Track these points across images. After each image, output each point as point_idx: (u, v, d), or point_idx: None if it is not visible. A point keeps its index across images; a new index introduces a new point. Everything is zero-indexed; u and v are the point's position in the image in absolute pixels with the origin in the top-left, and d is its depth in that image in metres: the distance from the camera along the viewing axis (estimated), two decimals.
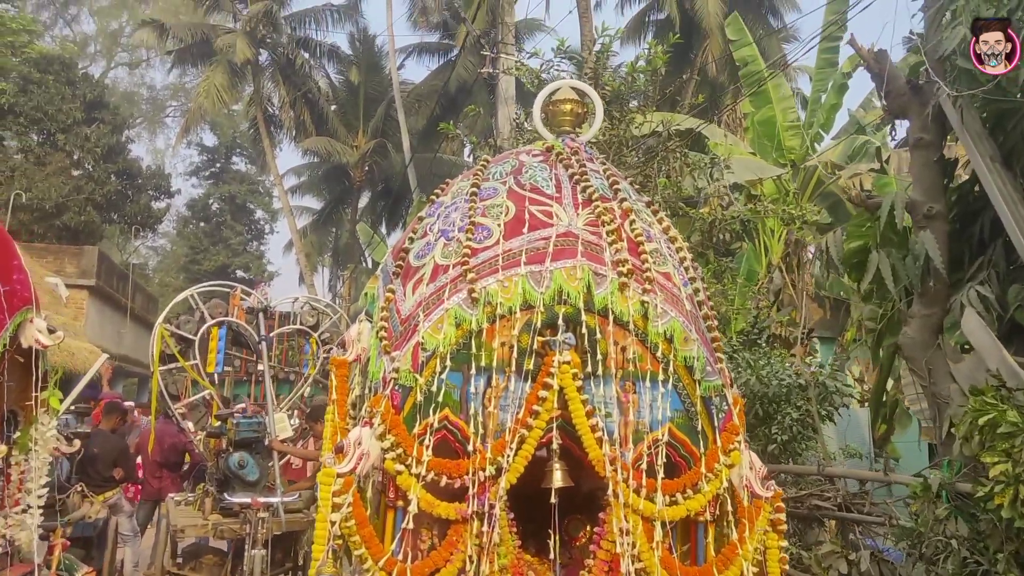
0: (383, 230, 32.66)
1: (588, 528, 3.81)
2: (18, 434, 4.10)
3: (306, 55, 32.30)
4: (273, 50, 31.63)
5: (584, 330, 3.30)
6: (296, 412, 8.57)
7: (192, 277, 39.95)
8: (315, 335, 8.71)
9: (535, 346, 3.27)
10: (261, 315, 8.42)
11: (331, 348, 8.84)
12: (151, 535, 8.97)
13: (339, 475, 2.98)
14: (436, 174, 31.24)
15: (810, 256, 13.94)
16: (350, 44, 33.91)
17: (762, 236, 14.20)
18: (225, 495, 6.79)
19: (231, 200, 41.99)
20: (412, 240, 3.71)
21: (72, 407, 7.30)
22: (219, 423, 7.48)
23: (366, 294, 3.84)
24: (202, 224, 41.51)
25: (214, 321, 8.20)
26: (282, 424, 7.95)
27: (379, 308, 3.52)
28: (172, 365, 8.08)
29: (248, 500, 6.29)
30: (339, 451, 3.05)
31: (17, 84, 23.60)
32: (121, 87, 43.03)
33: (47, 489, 4.04)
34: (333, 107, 33.41)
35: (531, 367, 3.26)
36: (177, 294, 8.55)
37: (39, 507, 3.99)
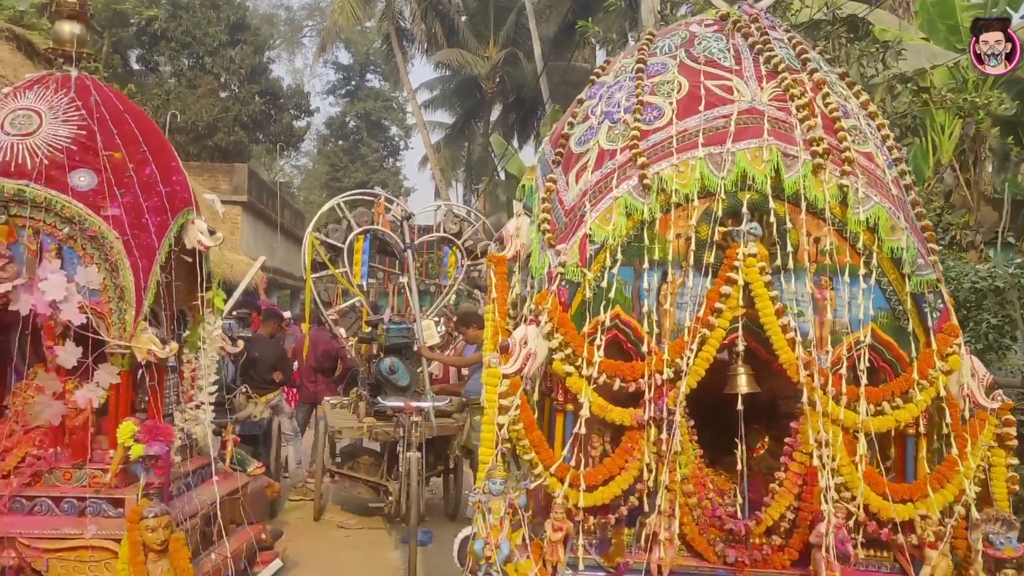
0: (515, 142, 32.34)
1: (766, 438, 3.49)
2: (187, 333, 4.19)
3: None
4: None
5: (772, 219, 2.92)
6: (442, 320, 8.60)
7: (334, 194, 41.37)
8: (458, 243, 8.62)
9: (716, 237, 2.92)
10: (405, 223, 8.41)
11: (477, 256, 8.78)
12: (309, 435, 9.42)
13: (505, 376, 2.79)
14: (569, 82, 30.45)
15: (988, 152, 12.55)
16: None
17: (930, 133, 12.87)
18: (378, 399, 6.91)
19: (366, 117, 42.84)
20: (572, 125, 3.39)
21: (234, 313, 7.60)
22: (370, 329, 7.59)
23: (523, 186, 3.58)
24: (340, 142, 42.70)
25: (361, 229, 8.25)
26: (429, 331, 7.99)
27: (539, 200, 3.25)
28: (323, 273, 8.24)
29: (401, 404, 6.36)
30: (504, 351, 2.85)
31: (167, 10, 24.55)
32: (260, 9, 44.15)
33: (216, 387, 4.14)
34: (463, 18, 32.94)
35: (711, 261, 2.92)
36: (321, 210, 8.64)
37: (210, 404, 4.10)
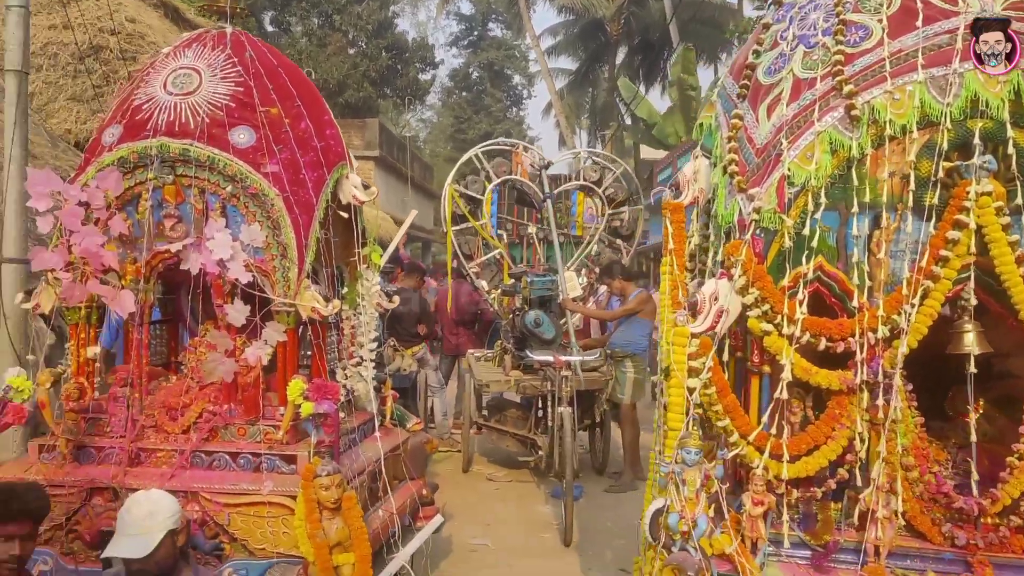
0: (641, 87, 31.31)
1: (980, 401, 3.08)
2: (345, 290, 4.16)
3: None
4: None
5: (1011, 150, 2.49)
6: (583, 271, 8.38)
7: (458, 146, 41.79)
8: (599, 190, 8.32)
9: (939, 175, 2.52)
10: (543, 172, 8.18)
11: (619, 204, 8.45)
12: (451, 388, 9.51)
13: (693, 335, 2.54)
14: (700, 20, 29.11)
15: None
16: None
17: None
18: (526, 352, 6.81)
19: (489, 67, 42.73)
20: (758, 53, 3.02)
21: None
22: (513, 282, 7.47)
23: (700, 125, 3.25)
24: (464, 93, 42.82)
25: (499, 180, 8.09)
26: (572, 283, 7.80)
27: (723, 139, 2.93)
28: (463, 225, 8.16)
29: (550, 358, 6.22)
30: (692, 308, 2.59)
31: None
32: None
33: (377, 343, 4.10)
34: None
35: (933, 202, 2.54)
36: (447, 163, 8.51)
37: (371, 361, 4.07)
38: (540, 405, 7.06)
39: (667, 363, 2.57)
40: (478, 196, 8.16)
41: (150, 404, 3.73)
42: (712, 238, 2.96)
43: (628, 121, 28.81)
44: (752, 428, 2.54)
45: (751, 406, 2.65)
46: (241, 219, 3.63)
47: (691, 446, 2.45)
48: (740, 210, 2.68)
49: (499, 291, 8.10)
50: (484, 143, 8.52)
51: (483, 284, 8.16)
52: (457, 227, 8.14)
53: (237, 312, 3.56)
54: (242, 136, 3.65)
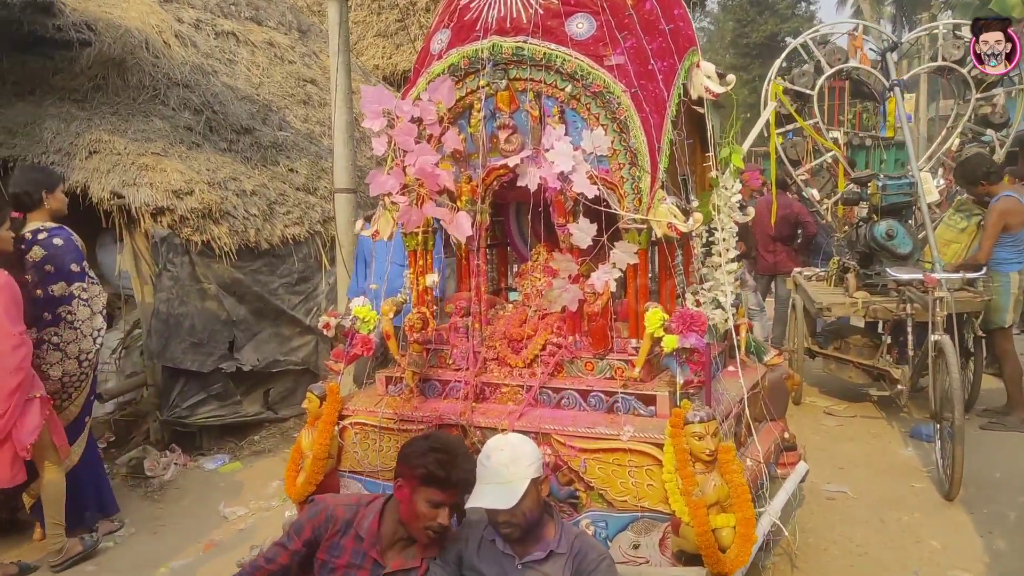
0: None
1: None
2: (695, 202, 3.54)
3: None
4: None
5: None
6: (941, 170, 6.98)
7: (741, 52, 38.89)
8: (963, 71, 6.79)
9: None
10: (889, 55, 6.84)
11: (990, 86, 6.88)
12: (768, 310, 8.65)
13: None
14: None
15: None
16: None
17: None
18: (879, 269, 5.80)
19: None
20: None
21: None
22: (856, 188, 6.37)
23: None
24: None
25: (834, 69, 6.91)
26: (927, 186, 6.51)
27: None
28: (790, 127, 7.12)
29: (919, 276, 5.16)
30: None
31: None
32: None
33: (736, 264, 3.46)
34: None
35: None
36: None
37: (728, 284, 3.44)
38: (892, 331, 6.02)
39: None
40: (807, 91, 7.04)
41: (490, 335, 3.44)
42: None
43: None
44: None
45: None
46: (582, 124, 3.13)
47: None
48: None
49: (832, 201, 7.03)
50: (813, 28, 7.32)
51: (814, 193, 7.12)
52: (781, 129, 7.12)
53: (583, 232, 3.10)
54: (581, 25, 3.11)
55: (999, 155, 6.73)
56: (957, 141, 6.88)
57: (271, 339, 6.59)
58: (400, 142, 3.28)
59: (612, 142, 3.07)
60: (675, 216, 3.02)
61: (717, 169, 3.42)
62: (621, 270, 3.13)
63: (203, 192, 6.13)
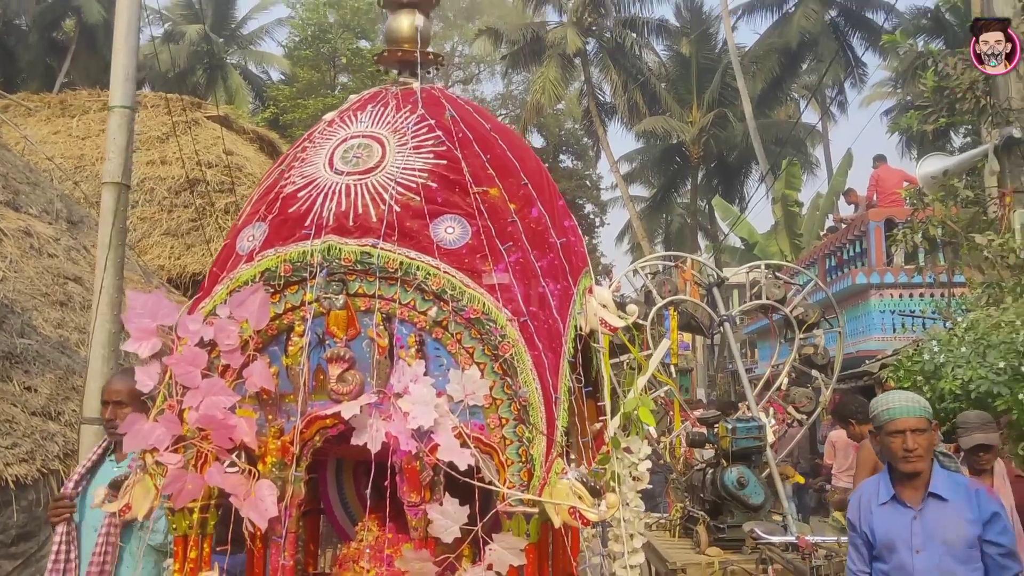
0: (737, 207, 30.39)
1: None
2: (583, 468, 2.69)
3: (634, 35, 31.30)
4: (600, 36, 31.13)
5: None
6: (771, 412, 6.77)
7: None
8: (787, 310, 6.81)
9: None
10: (716, 290, 6.76)
11: (811, 327, 6.92)
12: None
13: None
14: (781, 139, 28.40)
15: None
16: (676, 16, 32.38)
17: None
18: (734, 523, 5.19)
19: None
20: None
21: None
22: (702, 429, 5.90)
23: None
24: None
25: (666, 300, 6.68)
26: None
27: None
28: (622, 358, 6.70)
29: (792, 539, 4.57)
30: None
31: None
32: None
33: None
34: (663, 85, 32.11)
35: None
36: (614, 281, 7.20)
37: None
38: None
39: None
40: (640, 321, 6.74)
41: None
42: None
43: (736, 242, 27.55)
44: None
45: None
46: (449, 361, 2.26)
47: None
48: None
49: (668, 439, 6.54)
50: (646, 258, 7.19)
51: (651, 430, 6.60)
52: (615, 360, 6.68)
53: (447, 517, 2.13)
54: (451, 230, 2.33)
55: (824, 396, 6.68)
56: (786, 380, 6.81)
57: None
58: (179, 375, 2.22)
59: (492, 388, 2.21)
60: (580, 497, 2.13)
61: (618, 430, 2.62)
62: (501, 574, 2.15)
63: None
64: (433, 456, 2.14)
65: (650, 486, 5.88)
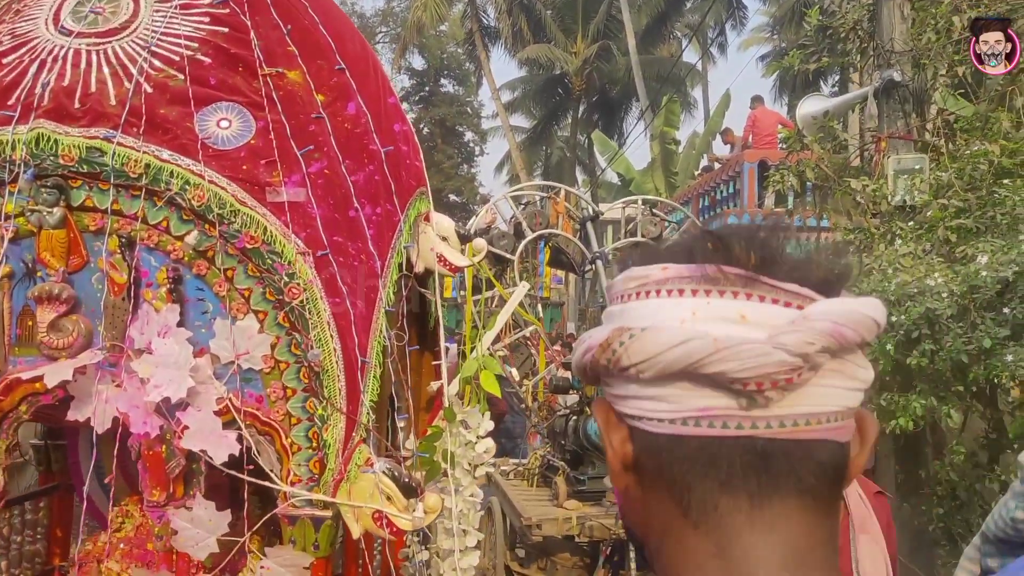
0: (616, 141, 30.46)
1: None
2: (410, 442, 2.14)
3: None
4: None
5: None
6: None
7: None
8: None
9: None
10: (589, 224, 6.32)
11: None
12: None
13: None
14: (663, 76, 28.45)
15: None
16: None
17: None
18: (594, 474, 4.86)
19: (441, 124, 41.64)
20: None
21: None
22: (567, 374, 5.51)
23: None
24: None
25: (536, 234, 6.18)
26: None
27: None
28: (488, 293, 6.20)
29: None
30: None
31: None
32: None
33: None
34: (549, 12, 31.41)
35: None
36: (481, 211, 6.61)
37: None
38: (613, 552, 5.06)
39: None
40: (507, 255, 6.22)
41: None
42: None
43: (613, 177, 27.62)
44: None
45: None
46: (215, 307, 1.62)
47: None
48: None
49: (531, 381, 6.14)
50: (519, 186, 6.64)
51: (513, 372, 6.17)
52: (478, 296, 6.17)
53: (199, 526, 1.52)
54: (226, 124, 1.65)
55: None
56: None
57: None
58: None
59: (274, 347, 1.60)
60: (390, 499, 1.57)
61: (450, 397, 2.06)
62: None
63: None
64: (182, 443, 1.52)
65: (504, 440, 5.31)
